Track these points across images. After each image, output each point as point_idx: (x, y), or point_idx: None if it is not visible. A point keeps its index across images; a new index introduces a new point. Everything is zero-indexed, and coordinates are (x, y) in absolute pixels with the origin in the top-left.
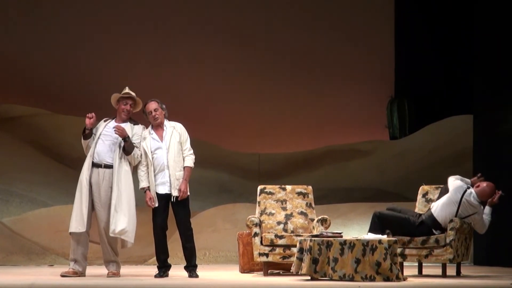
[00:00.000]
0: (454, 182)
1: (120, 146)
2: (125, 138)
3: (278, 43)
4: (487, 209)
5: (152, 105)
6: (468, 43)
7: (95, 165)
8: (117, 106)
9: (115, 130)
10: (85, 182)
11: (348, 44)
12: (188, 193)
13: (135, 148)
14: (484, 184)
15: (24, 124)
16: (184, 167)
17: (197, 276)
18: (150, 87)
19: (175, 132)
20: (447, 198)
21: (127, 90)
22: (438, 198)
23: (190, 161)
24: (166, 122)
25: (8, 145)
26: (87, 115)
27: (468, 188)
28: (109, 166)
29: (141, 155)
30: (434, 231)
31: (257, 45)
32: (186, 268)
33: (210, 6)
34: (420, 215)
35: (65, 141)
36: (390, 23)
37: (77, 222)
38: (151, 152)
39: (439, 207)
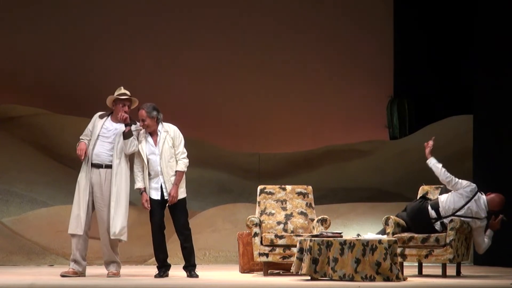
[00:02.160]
0: (466, 182)
1: (116, 147)
2: (129, 123)
3: (278, 43)
4: (488, 232)
5: (140, 115)
6: (468, 43)
7: (95, 165)
8: (114, 107)
9: (122, 115)
10: (84, 184)
11: (348, 44)
12: (185, 195)
13: (133, 137)
14: (493, 194)
15: (24, 124)
16: (176, 171)
17: (196, 276)
18: (150, 87)
19: (168, 137)
20: (459, 193)
21: (123, 90)
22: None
23: (182, 165)
24: (160, 127)
25: (8, 145)
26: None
27: (481, 192)
28: (110, 166)
29: (137, 145)
30: (430, 209)
31: (257, 45)
32: (185, 268)
33: (210, 4)
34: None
35: (65, 141)
36: (389, 23)
37: (76, 224)
38: (146, 155)
39: (449, 196)
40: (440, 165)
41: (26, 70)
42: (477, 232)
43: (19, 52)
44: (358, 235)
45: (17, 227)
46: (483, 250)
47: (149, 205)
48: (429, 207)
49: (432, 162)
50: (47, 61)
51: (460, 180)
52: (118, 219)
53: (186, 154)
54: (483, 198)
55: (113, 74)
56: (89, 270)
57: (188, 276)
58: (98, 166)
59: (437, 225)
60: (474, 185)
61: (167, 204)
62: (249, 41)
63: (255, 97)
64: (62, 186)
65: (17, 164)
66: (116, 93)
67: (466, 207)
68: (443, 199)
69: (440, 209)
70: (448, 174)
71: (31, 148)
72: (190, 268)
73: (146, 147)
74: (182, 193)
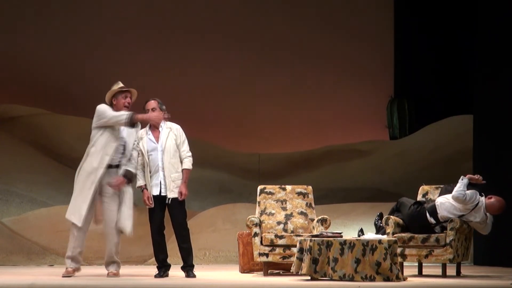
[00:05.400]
0: (471, 196)
1: (125, 147)
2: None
3: (278, 44)
4: (489, 218)
5: (151, 104)
6: (468, 42)
7: (110, 165)
8: (115, 102)
9: (114, 187)
10: (92, 180)
11: (348, 44)
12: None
13: (135, 174)
14: (495, 199)
15: (24, 124)
16: (183, 170)
17: (194, 276)
18: (150, 87)
19: (171, 134)
20: (458, 206)
21: (121, 84)
22: (441, 196)
23: (188, 163)
24: (162, 123)
25: (8, 145)
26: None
27: (481, 195)
28: (118, 166)
29: (138, 155)
30: (428, 217)
31: (257, 45)
32: (183, 268)
33: (210, 4)
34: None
35: (65, 141)
36: (389, 23)
37: (78, 215)
38: (147, 152)
39: (447, 205)
40: (465, 186)
41: (26, 70)
42: (477, 227)
43: (19, 52)
44: (361, 229)
45: (17, 227)
46: (489, 231)
47: (151, 202)
48: (427, 214)
49: (465, 182)
50: (47, 62)
51: (467, 196)
52: (131, 218)
53: (190, 153)
54: (483, 204)
55: (113, 74)
56: (89, 270)
57: (186, 276)
58: (113, 166)
59: (437, 229)
60: (477, 199)
61: (168, 202)
62: (250, 41)
63: (255, 97)
64: (62, 186)
65: (17, 164)
66: (115, 87)
67: (464, 217)
68: (441, 205)
69: (439, 215)
70: (463, 195)
71: (31, 148)
72: (188, 268)
73: (147, 143)
74: (175, 193)
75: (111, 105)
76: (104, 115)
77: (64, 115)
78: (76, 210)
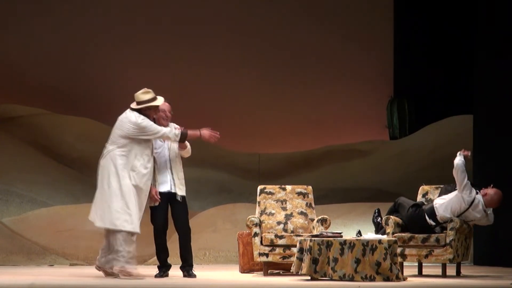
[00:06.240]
0: (467, 184)
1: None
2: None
3: (279, 44)
4: (489, 211)
5: (165, 107)
6: (468, 42)
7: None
8: (147, 112)
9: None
10: (147, 193)
11: (348, 44)
12: (184, 194)
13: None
14: (492, 192)
15: (24, 124)
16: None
17: (194, 276)
18: (150, 87)
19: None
20: (455, 202)
21: (151, 92)
22: (439, 197)
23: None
24: (170, 123)
25: (8, 145)
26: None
27: (477, 193)
28: None
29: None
30: (427, 219)
31: (257, 45)
32: (182, 267)
33: (211, 4)
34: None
35: (65, 141)
36: (389, 22)
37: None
38: (155, 149)
39: (445, 204)
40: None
41: (26, 70)
42: (478, 221)
43: (19, 53)
44: (359, 231)
45: (17, 227)
46: (492, 222)
47: (158, 197)
48: (426, 217)
49: (462, 160)
50: (47, 61)
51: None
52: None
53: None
54: (480, 201)
55: (113, 74)
56: (89, 270)
57: (185, 275)
58: None
59: (437, 229)
60: (473, 195)
61: (178, 198)
62: (250, 41)
63: (255, 97)
64: (62, 186)
65: (17, 164)
66: (146, 96)
67: (463, 215)
68: (440, 207)
69: (438, 217)
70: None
71: (31, 148)
72: (187, 268)
73: (154, 141)
74: (182, 191)
75: (138, 112)
76: (150, 129)
77: (64, 115)
78: (138, 221)
